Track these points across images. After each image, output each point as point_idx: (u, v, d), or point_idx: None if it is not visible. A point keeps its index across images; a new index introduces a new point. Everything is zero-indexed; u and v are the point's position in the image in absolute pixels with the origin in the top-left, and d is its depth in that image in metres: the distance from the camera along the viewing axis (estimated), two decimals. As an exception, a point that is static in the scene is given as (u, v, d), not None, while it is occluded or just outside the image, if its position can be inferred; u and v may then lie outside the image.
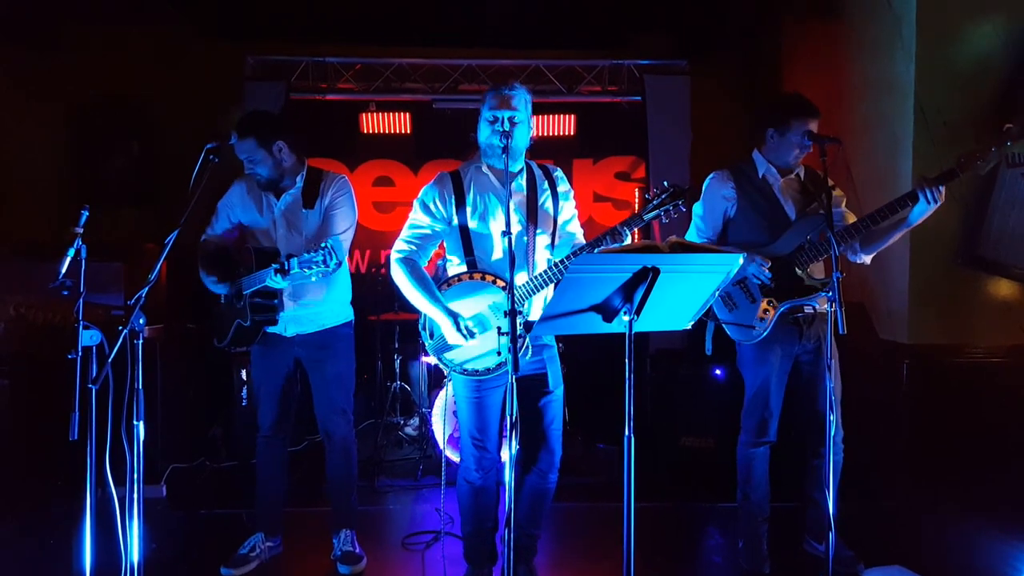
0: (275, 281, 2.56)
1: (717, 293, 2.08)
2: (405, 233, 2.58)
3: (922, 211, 2.59)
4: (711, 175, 2.93)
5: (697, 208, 2.95)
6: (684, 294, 2.03)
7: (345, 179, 2.96)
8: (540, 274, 2.40)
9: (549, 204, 2.58)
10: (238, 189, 2.94)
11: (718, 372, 4.02)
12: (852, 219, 2.79)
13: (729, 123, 5.35)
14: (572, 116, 5.74)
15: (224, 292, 2.88)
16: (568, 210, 2.64)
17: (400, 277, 2.52)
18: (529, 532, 2.67)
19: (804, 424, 2.91)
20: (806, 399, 2.88)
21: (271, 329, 2.86)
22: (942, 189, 2.55)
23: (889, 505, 3.49)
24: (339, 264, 2.64)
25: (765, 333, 2.76)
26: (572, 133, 5.77)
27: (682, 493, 3.77)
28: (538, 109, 6.28)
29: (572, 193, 2.67)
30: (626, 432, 1.95)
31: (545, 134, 5.73)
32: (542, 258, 2.55)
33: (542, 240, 2.55)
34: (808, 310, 2.79)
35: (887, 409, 3.65)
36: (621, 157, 5.84)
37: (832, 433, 2.52)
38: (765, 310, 2.75)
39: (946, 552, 2.93)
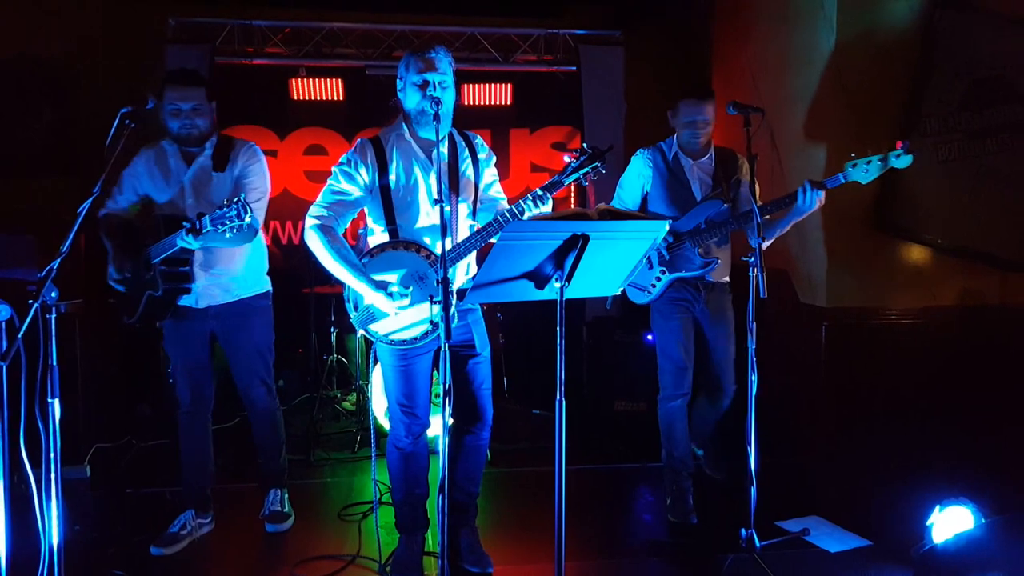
0: (187, 241, 2.47)
1: (644, 259, 2.13)
2: (322, 199, 2.49)
3: (802, 209, 2.77)
4: (636, 152, 3.18)
5: (621, 181, 3.22)
6: (613, 260, 2.06)
7: (256, 147, 2.86)
8: (463, 241, 2.39)
9: (470, 172, 2.56)
10: (144, 158, 2.79)
11: (650, 338, 4.12)
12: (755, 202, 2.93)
13: (662, 95, 5.39)
14: (509, 85, 5.69)
15: (119, 279, 2.74)
16: (489, 175, 2.62)
17: (317, 245, 2.43)
18: (468, 491, 2.71)
19: (701, 379, 3.17)
20: (704, 357, 3.14)
21: (183, 302, 2.77)
22: (821, 194, 2.72)
23: (809, 459, 3.69)
24: (254, 231, 2.57)
25: (653, 296, 3.10)
26: (509, 103, 5.73)
27: (616, 455, 3.89)
28: (475, 77, 6.17)
29: (494, 159, 2.65)
30: (557, 396, 1.99)
31: (482, 103, 5.67)
32: (464, 226, 2.54)
33: (463, 208, 2.54)
34: (714, 279, 3.07)
35: (808, 369, 3.84)
36: (558, 127, 5.84)
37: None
38: (657, 277, 3.06)
39: (860, 502, 3.11)
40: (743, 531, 2.66)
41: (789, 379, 3.94)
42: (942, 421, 3.50)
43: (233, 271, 2.83)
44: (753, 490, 2.61)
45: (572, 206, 5.62)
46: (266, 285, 2.98)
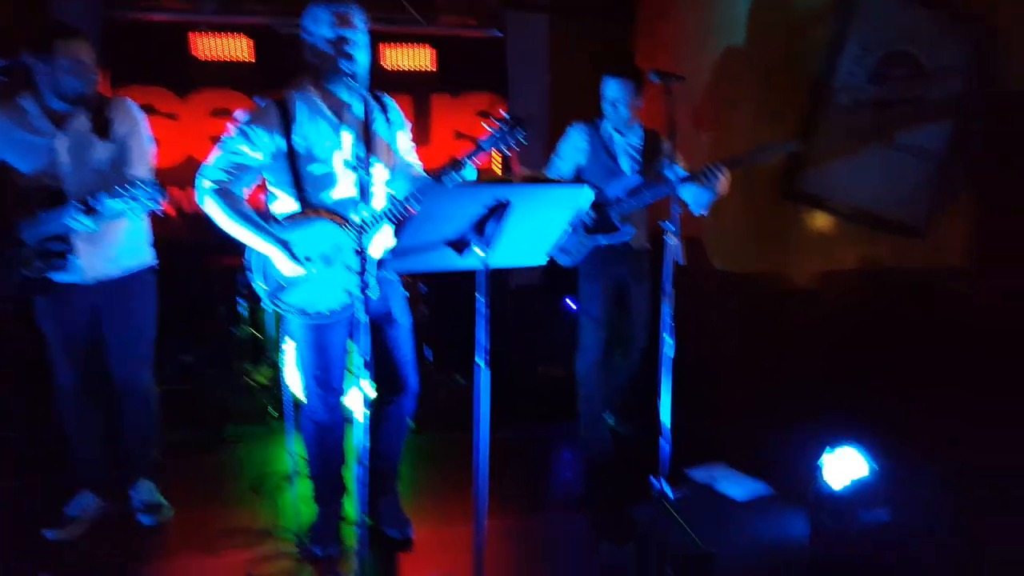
0: (79, 221, 2.28)
1: (569, 226, 2.12)
2: (217, 160, 2.29)
3: (708, 189, 3.02)
4: (573, 125, 3.33)
5: (557, 150, 3.37)
6: (537, 227, 2.04)
7: (131, 101, 2.64)
8: (382, 210, 2.30)
9: (384, 133, 2.46)
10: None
11: (573, 306, 4.19)
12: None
13: (587, 67, 5.38)
14: (431, 49, 5.53)
15: None
16: (404, 140, 2.54)
17: (215, 210, 2.26)
18: (390, 459, 2.68)
19: (619, 334, 3.47)
20: (624, 315, 3.44)
21: (66, 278, 2.55)
22: (717, 174, 2.92)
23: (718, 422, 3.84)
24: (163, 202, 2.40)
25: (578, 259, 3.32)
26: (430, 67, 5.57)
27: (539, 416, 3.98)
28: (394, 39, 5.93)
29: (408, 124, 2.56)
30: (478, 361, 1.97)
31: (403, 66, 5.49)
32: (380, 191, 2.44)
33: (379, 172, 2.44)
34: (636, 246, 3.32)
35: (719, 334, 3.99)
36: (482, 94, 5.72)
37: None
38: (581, 241, 3.27)
39: (765, 456, 3.29)
40: (654, 480, 2.75)
41: (700, 344, 4.08)
42: (842, 381, 3.71)
43: (118, 240, 2.62)
44: (664, 442, 2.70)
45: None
46: (152, 259, 2.78)
